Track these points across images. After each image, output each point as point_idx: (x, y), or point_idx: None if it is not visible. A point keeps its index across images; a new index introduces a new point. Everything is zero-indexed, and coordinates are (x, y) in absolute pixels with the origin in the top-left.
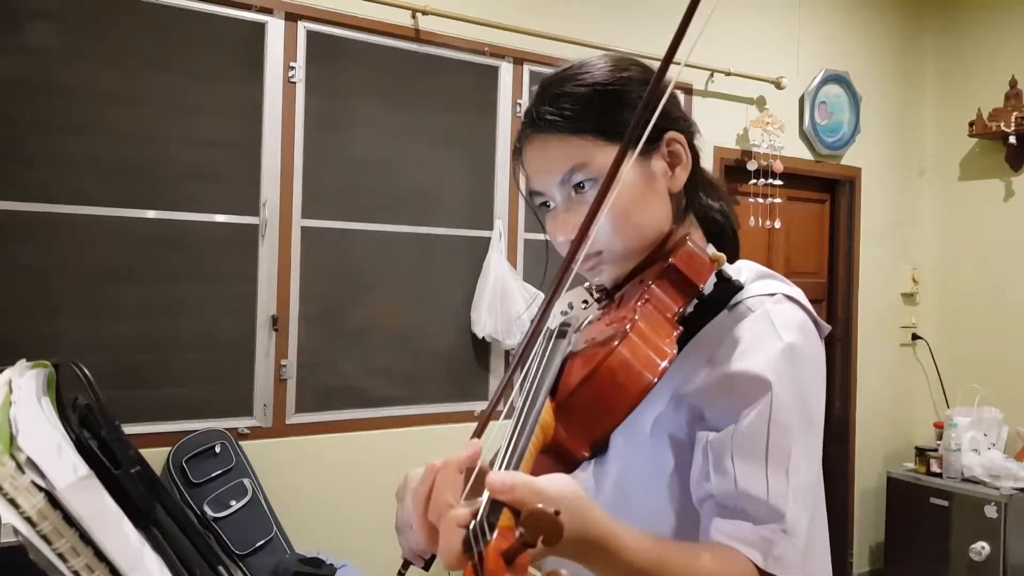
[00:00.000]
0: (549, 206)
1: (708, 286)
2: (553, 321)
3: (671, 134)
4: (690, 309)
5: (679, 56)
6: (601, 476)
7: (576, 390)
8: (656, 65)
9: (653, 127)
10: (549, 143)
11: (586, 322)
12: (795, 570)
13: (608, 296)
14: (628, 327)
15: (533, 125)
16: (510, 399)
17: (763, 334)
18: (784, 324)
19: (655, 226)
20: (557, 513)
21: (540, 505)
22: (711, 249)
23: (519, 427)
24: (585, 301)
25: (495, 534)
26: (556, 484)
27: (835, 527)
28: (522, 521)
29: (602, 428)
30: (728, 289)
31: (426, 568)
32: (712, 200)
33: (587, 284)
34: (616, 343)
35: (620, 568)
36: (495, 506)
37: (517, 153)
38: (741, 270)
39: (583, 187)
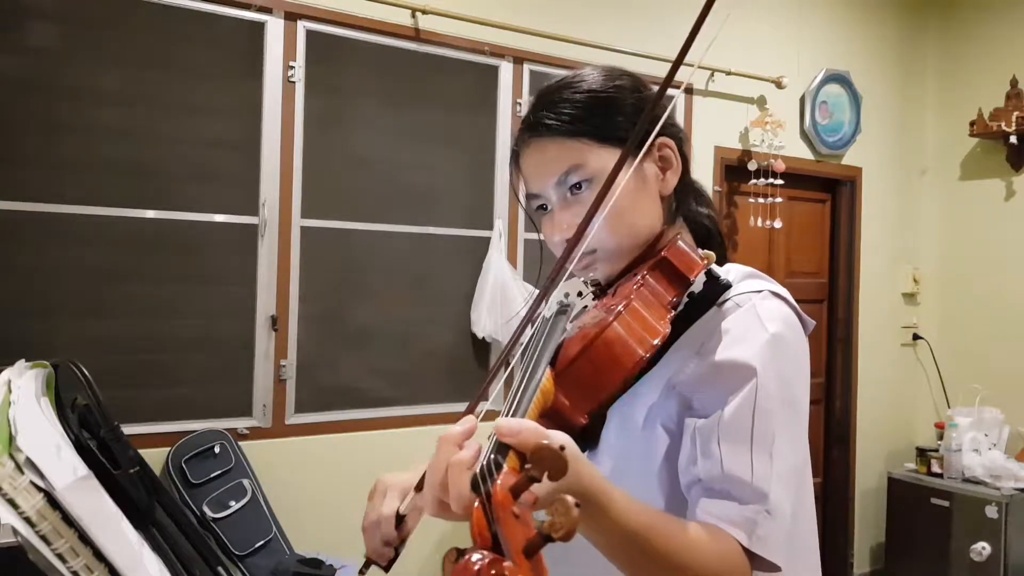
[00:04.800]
0: (546, 208)
1: (698, 284)
2: (549, 310)
3: (662, 139)
4: (681, 306)
5: (691, 58)
6: None
7: (574, 360)
8: (656, 64)
9: (646, 132)
10: (547, 146)
11: (583, 308)
12: (779, 552)
13: (603, 291)
14: (623, 305)
15: (531, 130)
16: (498, 387)
17: (749, 326)
18: (769, 317)
19: (647, 226)
20: (562, 448)
21: (545, 441)
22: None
23: (521, 390)
24: (580, 292)
25: (502, 473)
26: (557, 432)
27: (835, 527)
28: (529, 456)
29: (598, 398)
30: (717, 287)
31: (387, 569)
32: (700, 206)
33: (585, 279)
34: (612, 318)
35: (609, 527)
36: (501, 448)
37: (515, 158)
38: (729, 271)
39: (579, 188)
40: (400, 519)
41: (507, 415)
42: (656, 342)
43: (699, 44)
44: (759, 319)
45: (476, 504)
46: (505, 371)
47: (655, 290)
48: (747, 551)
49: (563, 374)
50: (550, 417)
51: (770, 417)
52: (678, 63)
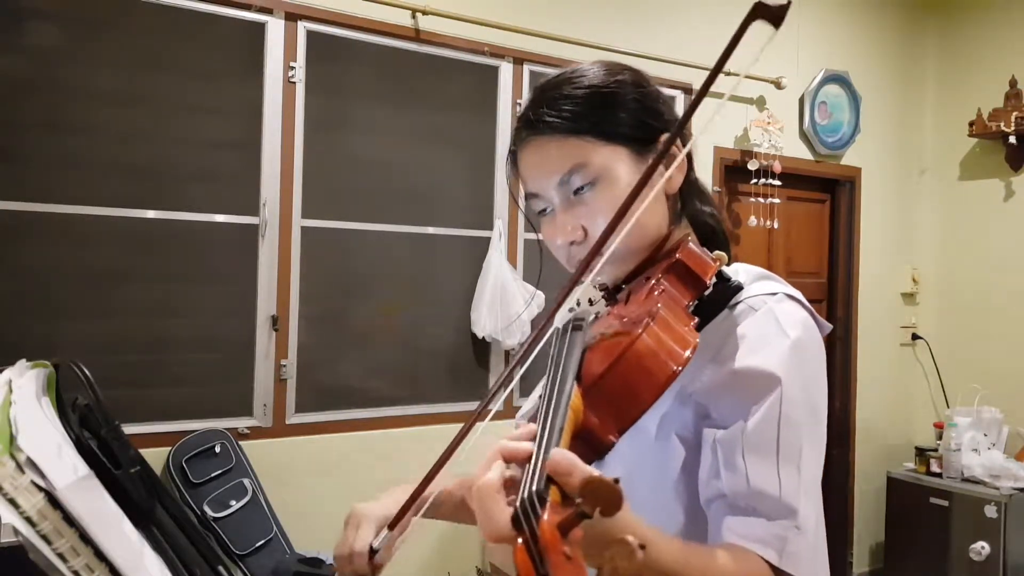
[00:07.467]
0: (546, 211)
1: (708, 286)
2: (561, 320)
3: (666, 136)
4: (692, 309)
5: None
6: None
7: (604, 375)
8: (656, 65)
9: (650, 129)
10: (548, 144)
11: (596, 316)
12: (807, 566)
13: (611, 294)
14: (651, 315)
15: (531, 127)
16: (501, 398)
17: (769, 331)
18: (789, 322)
19: (655, 226)
20: (616, 481)
21: (599, 473)
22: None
23: (551, 411)
24: (591, 299)
25: (546, 507)
26: (592, 469)
27: (835, 527)
28: (581, 490)
29: (631, 414)
30: (728, 289)
31: None
32: (704, 205)
33: (593, 283)
34: (641, 330)
35: (647, 567)
36: (545, 479)
37: (513, 157)
38: (738, 272)
39: (582, 190)
40: (373, 552)
41: (543, 436)
42: (688, 354)
43: (736, 56)
44: (778, 324)
45: (520, 542)
46: (508, 386)
47: (674, 295)
48: (775, 568)
49: (592, 391)
50: (581, 437)
51: (796, 428)
52: (716, 72)
